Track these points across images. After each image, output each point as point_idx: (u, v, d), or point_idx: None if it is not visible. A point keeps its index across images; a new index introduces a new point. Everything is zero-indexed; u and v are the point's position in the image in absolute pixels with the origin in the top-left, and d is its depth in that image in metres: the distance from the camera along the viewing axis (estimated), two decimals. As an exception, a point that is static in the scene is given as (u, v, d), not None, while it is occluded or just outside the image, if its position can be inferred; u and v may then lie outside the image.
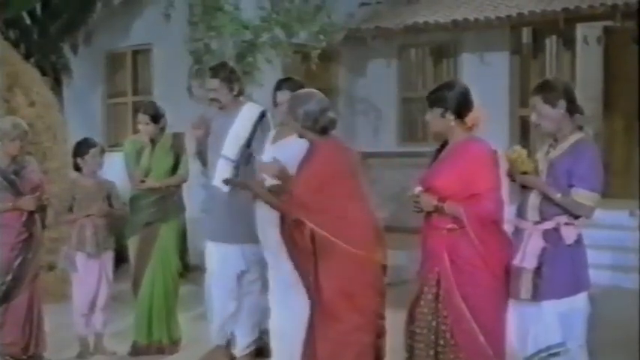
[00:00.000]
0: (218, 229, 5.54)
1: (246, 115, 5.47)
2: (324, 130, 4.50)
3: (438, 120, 4.20)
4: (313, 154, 4.47)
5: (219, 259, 5.57)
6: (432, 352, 4.13)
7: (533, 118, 4.13)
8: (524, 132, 10.82)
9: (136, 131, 6.20)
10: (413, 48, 12.51)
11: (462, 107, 4.18)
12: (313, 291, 4.47)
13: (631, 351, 6.04)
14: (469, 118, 4.21)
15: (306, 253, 4.41)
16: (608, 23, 11.23)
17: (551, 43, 11.60)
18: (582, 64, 11.73)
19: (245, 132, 5.42)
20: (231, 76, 5.55)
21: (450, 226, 4.09)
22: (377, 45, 12.20)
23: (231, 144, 5.41)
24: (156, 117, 6.04)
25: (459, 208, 4.04)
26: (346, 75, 12.18)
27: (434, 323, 4.13)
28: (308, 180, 4.37)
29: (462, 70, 11.89)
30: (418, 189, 4.18)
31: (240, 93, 5.58)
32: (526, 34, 11.61)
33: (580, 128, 4.16)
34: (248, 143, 5.42)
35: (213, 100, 5.57)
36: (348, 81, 11.98)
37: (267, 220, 4.95)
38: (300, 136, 4.57)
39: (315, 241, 4.35)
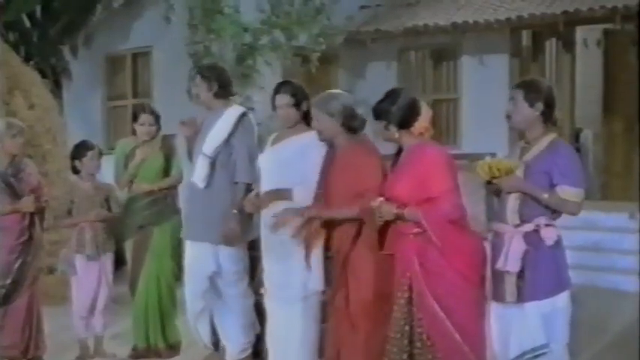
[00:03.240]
0: (193, 227, 5.50)
1: (228, 115, 5.49)
2: (356, 129, 4.58)
3: (382, 131, 4.31)
4: (363, 153, 4.49)
5: (191, 257, 5.50)
6: (405, 357, 4.16)
7: (509, 108, 4.15)
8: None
9: (135, 134, 6.17)
10: (413, 50, 12.51)
11: (404, 120, 4.26)
12: (341, 296, 4.52)
13: (631, 353, 6.03)
14: (416, 128, 4.30)
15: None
16: (608, 26, 11.24)
17: (550, 45, 11.61)
18: (582, 66, 11.75)
19: (225, 130, 5.43)
20: (211, 75, 5.56)
21: (415, 230, 4.14)
22: (377, 48, 12.21)
23: (210, 141, 5.42)
24: (158, 118, 6.07)
25: (418, 212, 4.09)
26: (346, 78, 12.19)
27: (407, 327, 4.17)
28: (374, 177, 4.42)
29: (462, 72, 11.90)
30: (379, 199, 4.23)
31: (219, 94, 5.55)
32: (526, 37, 11.62)
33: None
34: (227, 141, 5.42)
35: (196, 96, 5.66)
36: (348, 84, 11.97)
37: (269, 231, 4.92)
38: (322, 138, 4.62)
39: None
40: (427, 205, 4.09)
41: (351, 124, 4.57)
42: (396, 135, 4.26)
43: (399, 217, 4.17)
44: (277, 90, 5.07)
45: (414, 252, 4.15)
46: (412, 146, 4.26)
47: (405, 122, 4.26)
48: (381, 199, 4.22)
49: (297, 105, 4.97)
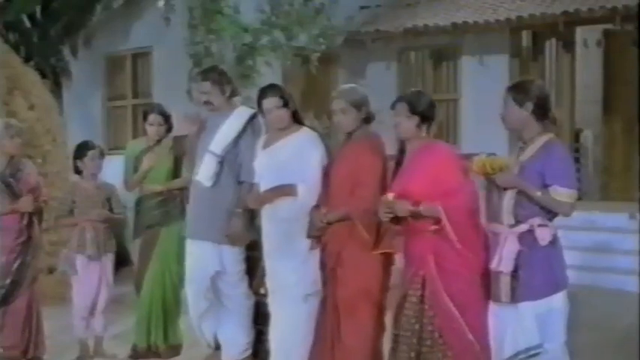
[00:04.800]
0: (198, 225, 5.48)
1: (238, 115, 5.49)
2: (370, 120, 4.74)
3: (410, 128, 4.34)
4: (379, 148, 4.60)
5: (194, 257, 5.49)
6: (413, 355, 4.20)
7: (502, 110, 4.22)
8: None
9: (135, 134, 6.18)
10: (413, 51, 12.52)
11: (430, 116, 4.37)
12: (334, 290, 4.60)
13: (631, 353, 6.04)
14: (432, 129, 4.40)
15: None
16: (608, 26, 11.26)
17: (550, 46, 11.62)
18: (582, 67, 11.76)
19: (234, 130, 5.43)
20: (222, 79, 5.55)
21: (433, 227, 4.15)
22: (377, 48, 12.22)
23: (219, 140, 5.42)
24: (168, 117, 6.06)
25: (436, 206, 4.11)
26: (346, 78, 12.18)
27: (417, 326, 4.20)
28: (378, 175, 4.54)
29: (462, 72, 11.91)
30: (391, 195, 4.23)
31: (233, 94, 5.58)
32: (526, 37, 11.63)
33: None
34: (236, 141, 5.43)
35: (206, 103, 5.57)
36: (348, 84, 12.00)
37: (278, 229, 4.93)
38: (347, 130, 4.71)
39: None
40: (445, 198, 4.11)
41: (368, 117, 4.72)
42: (423, 134, 4.34)
43: (413, 215, 4.18)
44: (264, 95, 5.05)
45: (430, 250, 4.18)
46: (424, 144, 4.33)
47: (430, 118, 4.37)
48: (392, 194, 4.23)
49: (285, 105, 4.98)
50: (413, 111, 4.30)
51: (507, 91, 4.20)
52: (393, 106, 4.38)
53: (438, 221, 4.12)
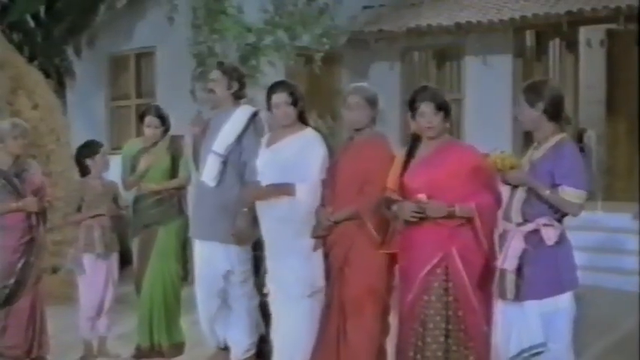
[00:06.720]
0: (204, 226, 5.50)
1: (240, 114, 5.50)
2: (375, 120, 4.79)
3: (436, 123, 4.35)
4: (386, 146, 4.67)
5: (204, 258, 5.52)
6: (440, 354, 4.21)
7: (515, 111, 4.25)
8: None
9: (139, 134, 6.19)
10: (416, 51, 12.52)
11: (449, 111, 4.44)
12: (340, 290, 4.62)
13: (632, 353, 6.04)
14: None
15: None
16: (612, 26, 11.24)
17: (554, 46, 11.61)
18: (585, 67, 11.75)
19: (236, 129, 5.44)
20: (233, 74, 5.58)
21: (459, 223, 4.21)
22: (380, 48, 12.22)
23: (222, 140, 5.43)
24: (165, 120, 6.07)
25: (471, 207, 4.17)
26: (349, 78, 12.18)
27: (439, 319, 4.23)
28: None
29: (465, 72, 11.90)
30: (423, 196, 4.23)
31: (239, 95, 5.58)
32: (529, 37, 11.63)
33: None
34: (238, 140, 5.44)
35: (210, 90, 5.60)
36: (351, 84, 12.00)
37: (276, 228, 4.93)
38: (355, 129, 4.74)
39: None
40: (477, 196, 4.18)
41: (374, 115, 4.75)
42: (447, 126, 4.42)
43: (448, 215, 4.19)
44: (274, 89, 5.06)
45: (454, 244, 4.22)
46: (448, 142, 4.40)
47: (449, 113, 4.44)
48: (424, 195, 4.22)
49: (294, 103, 4.99)
50: (439, 107, 4.35)
51: (522, 91, 4.23)
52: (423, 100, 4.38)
53: (469, 219, 4.19)
